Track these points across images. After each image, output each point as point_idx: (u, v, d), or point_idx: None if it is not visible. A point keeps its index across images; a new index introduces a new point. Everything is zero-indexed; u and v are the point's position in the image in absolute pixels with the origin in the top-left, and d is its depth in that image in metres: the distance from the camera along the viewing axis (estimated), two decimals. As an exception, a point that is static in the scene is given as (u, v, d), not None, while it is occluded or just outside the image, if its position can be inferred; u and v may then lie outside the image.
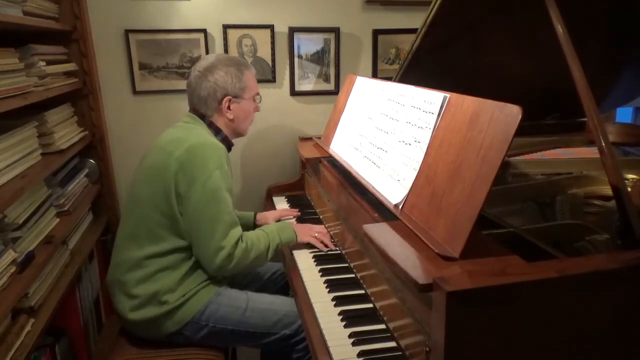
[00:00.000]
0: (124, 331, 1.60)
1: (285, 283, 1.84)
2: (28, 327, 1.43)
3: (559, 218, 1.41)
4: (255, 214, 1.97)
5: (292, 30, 2.41)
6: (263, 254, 1.58)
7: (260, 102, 1.76)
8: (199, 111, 1.65)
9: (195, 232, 1.48)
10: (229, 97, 1.63)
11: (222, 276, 1.60)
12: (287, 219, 1.95)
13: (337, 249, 1.67)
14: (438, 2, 1.50)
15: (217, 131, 1.65)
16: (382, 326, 1.21)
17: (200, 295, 1.53)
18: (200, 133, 1.57)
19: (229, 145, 1.69)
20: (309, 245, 1.69)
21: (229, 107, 1.64)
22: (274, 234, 1.63)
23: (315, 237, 1.69)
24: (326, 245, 1.68)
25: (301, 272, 1.52)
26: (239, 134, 1.74)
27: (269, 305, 1.58)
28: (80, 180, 2.08)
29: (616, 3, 1.50)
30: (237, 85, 1.64)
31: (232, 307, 1.55)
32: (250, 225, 1.93)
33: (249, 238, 1.55)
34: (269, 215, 1.97)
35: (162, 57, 2.29)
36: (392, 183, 1.30)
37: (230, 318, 1.53)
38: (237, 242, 1.49)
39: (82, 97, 2.17)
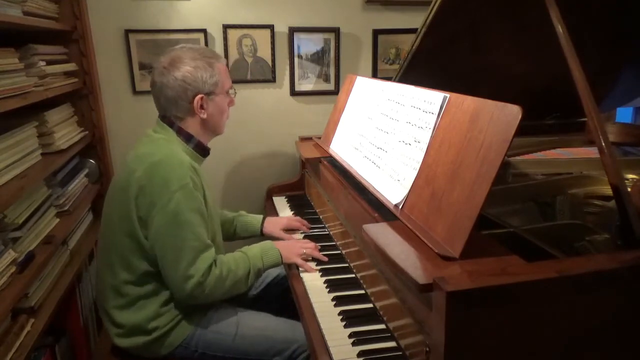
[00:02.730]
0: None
1: (287, 287, 1.80)
2: (28, 327, 1.43)
3: (559, 218, 1.41)
4: (263, 219, 1.84)
5: (292, 30, 2.41)
6: (242, 280, 1.45)
7: (235, 95, 1.57)
8: (168, 116, 1.47)
9: (160, 259, 1.36)
10: (201, 95, 1.44)
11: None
12: (294, 233, 1.83)
13: (338, 250, 1.66)
14: (438, 2, 1.50)
15: (187, 138, 1.48)
16: (382, 326, 1.21)
17: (188, 318, 1.44)
18: (166, 146, 1.41)
19: (204, 152, 1.54)
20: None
21: (202, 107, 1.46)
22: (256, 259, 1.50)
23: (303, 254, 1.56)
24: (317, 260, 1.56)
25: (301, 272, 1.52)
26: (215, 133, 1.56)
27: (261, 331, 1.48)
28: (80, 180, 2.08)
29: (616, 3, 1.50)
30: (208, 80, 1.44)
31: (221, 333, 1.45)
32: (257, 232, 1.84)
33: (226, 264, 1.42)
34: (277, 223, 1.84)
35: (162, 57, 2.30)
36: (392, 183, 1.30)
37: (220, 344, 1.45)
38: (209, 269, 1.36)
39: (82, 97, 2.17)
